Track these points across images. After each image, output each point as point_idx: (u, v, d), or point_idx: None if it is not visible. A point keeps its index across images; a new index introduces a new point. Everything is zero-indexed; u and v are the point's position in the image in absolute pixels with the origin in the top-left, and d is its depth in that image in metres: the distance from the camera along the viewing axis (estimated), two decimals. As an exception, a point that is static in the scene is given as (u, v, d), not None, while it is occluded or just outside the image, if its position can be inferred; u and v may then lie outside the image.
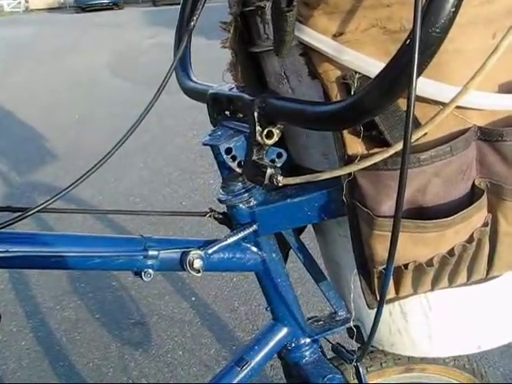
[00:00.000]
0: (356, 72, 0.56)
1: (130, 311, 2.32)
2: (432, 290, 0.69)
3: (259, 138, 0.62)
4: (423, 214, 0.60)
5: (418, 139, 0.55)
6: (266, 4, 0.67)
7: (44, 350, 2.12)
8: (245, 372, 0.80)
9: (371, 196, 0.61)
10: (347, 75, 0.57)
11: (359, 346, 0.85)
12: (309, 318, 0.88)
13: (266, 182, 0.62)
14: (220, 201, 0.73)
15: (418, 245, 0.62)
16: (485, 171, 0.61)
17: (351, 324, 0.82)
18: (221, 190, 0.74)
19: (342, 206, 0.66)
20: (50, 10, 27.02)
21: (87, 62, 8.96)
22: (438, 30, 0.40)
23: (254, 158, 0.64)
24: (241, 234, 0.71)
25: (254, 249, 0.76)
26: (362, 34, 0.56)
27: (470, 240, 0.63)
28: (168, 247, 0.69)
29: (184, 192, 3.52)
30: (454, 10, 0.39)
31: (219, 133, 0.70)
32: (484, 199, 0.61)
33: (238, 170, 0.67)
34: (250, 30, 0.74)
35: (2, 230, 0.59)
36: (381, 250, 0.62)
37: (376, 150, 0.59)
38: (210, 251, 0.69)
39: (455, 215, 0.59)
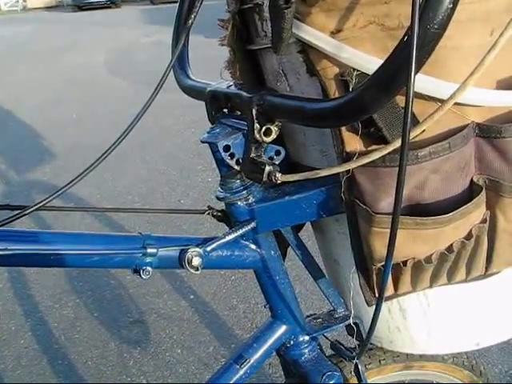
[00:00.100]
0: (354, 69, 0.56)
1: (128, 309, 2.32)
2: (431, 286, 0.69)
3: (257, 136, 0.62)
4: (422, 210, 0.60)
5: (416, 136, 0.55)
6: (263, 1, 0.67)
7: (43, 349, 2.12)
8: (244, 370, 0.80)
9: (370, 193, 0.61)
10: (345, 72, 0.57)
11: (358, 343, 0.85)
12: (307, 316, 0.88)
13: (265, 179, 0.62)
14: (218, 198, 0.73)
15: (417, 241, 0.62)
16: (483, 168, 0.61)
17: (350, 321, 0.82)
18: (219, 188, 0.73)
19: (340, 204, 0.66)
20: (48, 8, 26.95)
21: (85, 61, 8.95)
22: (435, 27, 0.40)
23: (253, 155, 0.64)
24: (239, 232, 0.71)
25: (253, 246, 0.76)
26: (360, 30, 0.56)
27: (469, 237, 0.63)
28: (166, 245, 0.69)
29: (182, 190, 3.52)
30: (451, 6, 0.39)
31: (217, 130, 0.70)
32: (482, 196, 0.61)
33: (237, 168, 0.67)
34: (248, 27, 0.74)
35: (1, 228, 0.59)
36: (379, 246, 0.62)
37: (374, 146, 0.59)
38: (208, 249, 0.69)
39: (454, 212, 0.59)
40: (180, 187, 3.57)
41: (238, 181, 0.71)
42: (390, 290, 0.69)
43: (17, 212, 0.63)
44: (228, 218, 0.76)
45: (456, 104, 0.52)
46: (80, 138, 4.83)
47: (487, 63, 0.45)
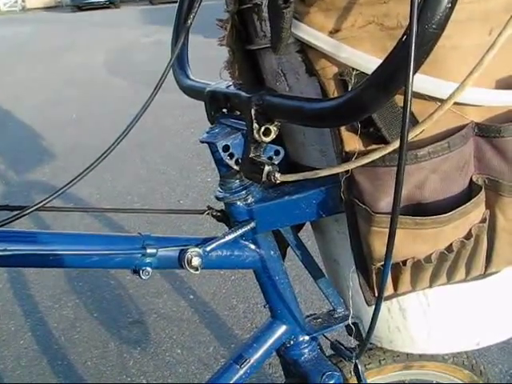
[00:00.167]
0: (353, 69, 0.56)
1: (128, 310, 2.32)
2: (430, 286, 0.69)
3: (256, 136, 0.62)
4: (421, 210, 0.60)
5: (415, 136, 0.55)
6: (262, 1, 0.67)
7: (42, 349, 2.12)
8: (244, 370, 0.80)
9: (369, 193, 0.61)
10: (344, 72, 0.57)
11: (358, 343, 0.85)
12: (307, 316, 0.88)
13: (264, 179, 0.62)
14: (218, 198, 0.73)
15: (416, 241, 0.62)
16: (483, 167, 0.61)
17: (350, 321, 0.82)
18: (218, 188, 0.73)
19: (339, 203, 0.66)
20: (47, 8, 26.93)
21: (84, 61, 8.95)
22: (434, 26, 0.40)
23: (252, 155, 0.64)
24: (238, 232, 0.71)
25: (252, 246, 0.76)
26: (359, 30, 0.56)
27: (468, 236, 0.63)
28: (166, 245, 0.69)
29: (182, 190, 3.52)
30: (450, 6, 0.39)
31: (216, 130, 0.70)
32: (482, 195, 0.61)
33: (236, 168, 0.67)
34: (247, 27, 0.74)
35: (0, 229, 0.59)
36: (379, 246, 0.62)
37: (374, 146, 0.59)
38: (208, 249, 0.69)
39: (453, 211, 0.59)
40: (179, 187, 3.57)
41: (238, 181, 0.71)
42: (389, 289, 0.69)
43: (16, 212, 0.63)
44: (227, 218, 0.76)
45: (455, 104, 0.52)
46: (79, 138, 4.83)
47: (486, 63, 0.45)
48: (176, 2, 0.87)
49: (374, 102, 0.45)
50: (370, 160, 0.54)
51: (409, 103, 0.41)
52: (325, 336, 0.87)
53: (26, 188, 3.82)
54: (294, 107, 0.57)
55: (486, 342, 0.78)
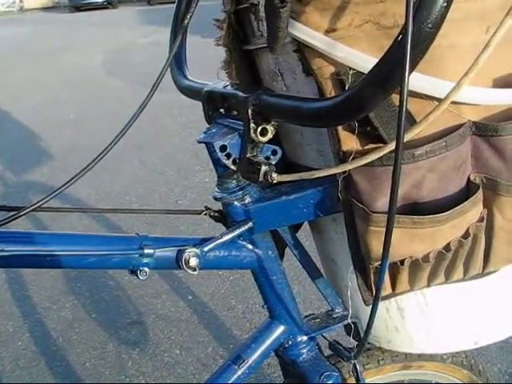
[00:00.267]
0: (350, 68, 0.56)
1: (126, 310, 2.32)
2: (428, 286, 0.69)
3: (253, 136, 0.62)
4: (419, 209, 0.60)
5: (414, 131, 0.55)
6: (259, 1, 0.67)
7: (41, 350, 2.12)
8: (242, 370, 0.80)
9: (366, 192, 0.61)
10: (341, 71, 0.57)
11: (356, 343, 0.85)
12: (306, 316, 0.88)
13: (261, 179, 0.62)
14: (215, 198, 0.73)
15: (414, 240, 0.62)
16: (480, 166, 0.61)
17: (348, 321, 0.82)
18: (216, 188, 0.73)
19: (337, 203, 0.66)
20: (45, 9, 26.92)
21: (82, 62, 8.95)
22: (430, 25, 0.40)
23: (249, 155, 0.64)
24: (236, 232, 0.71)
25: (250, 246, 0.75)
26: (356, 29, 0.56)
27: (466, 235, 0.63)
28: (164, 245, 0.69)
29: (180, 191, 3.51)
30: (445, 5, 0.39)
31: (214, 130, 0.70)
32: (479, 194, 0.61)
33: (233, 168, 0.67)
34: (244, 27, 0.74)
35: (-3, 229, 0.59)
36: (376, 245, 0.62)
37: (371, 145, 0.59)
38: (205, 249, 0.69)
39: (451, 210, 0.59)
40: (178, 188, 3.57)
41: (235, 181, 0.71)
42: (387, 289, 0.69)
43: (13, 213, 0.63)
44: (225, 218, 0.76)
45: (452, 103, 0.52)
46: (77, 138, 4.83)
47: (481, 62, 0.45)
48: (174, 2, 0.87)
49: (370, 101, 0.45)
50: (366, 161, 0.54)
51: (404, 102, 0.41)
52: (323, 336, 0.87)
53: (24, 189, 3.82)
54: (291, 107, 0.57)
55: (485, 341, 0.78)
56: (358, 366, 0.82)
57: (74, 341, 2.16)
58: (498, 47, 0.46)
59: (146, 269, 0.67)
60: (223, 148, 0.67)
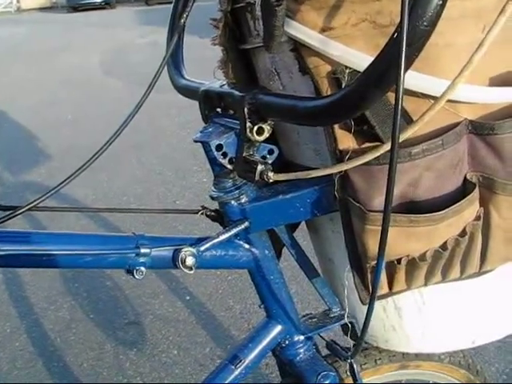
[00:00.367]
0: (346, 67, 0.56)
1: (124, 311, 2.32)
2: (425, 285, 0.69)
3: (250, 135, 0.62)
4: (415, 208, 0.60)
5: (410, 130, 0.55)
6: (255, 0, 0.67)
7: (38, 351, 2.12)
8: (239, 370, 0.80)
9: (363, 191, 0.61)
10: (338, 70, 0.57)
11: (354, 342, 0.85)
12: (303, 316, 0.88)
13: (257, 178, 0.62)
14: (212, 198, 0.73)
15: (411, 239, 0.62)
16: (476, 165, 0.61)
17: (346, 321, 0.82)
18: (212, 187, 0.73)
19: (334, 202, 0.66)
20: (42, 9, 26.87)
21: (80, 62, 8.94)
22: (425, 24, 0.40)
23: (245, 154, 0.64)
24: (232, 231, 0.71)
25: (246, 246, 0.75)
26: (352, 28, 0.56)
27: (463, 234, 0.63)
28: (160, 245, 0.69)
29: (178, 191, 3.51)
30: (441, 3, 0.39)
31: (210, 129, 0.70)
32: (476, 193, 0.61)
33: (229, 167, 0.67)
34: (241, 26, 0.74)
35: (-8, 229, 0.59)
36: (373, 244, 0.62)
37: (367, 144, 0.59)
38: (202, 248, 0.69)
39: (447, 209, 0.59)
40: (175, 188, 3.57)
41: (231, 180, 0.71)
42: (384, 288, 0.69)
43: (8, 212, 0.63)
44: (222, 217, 0.76)
45: (448, 101, 0.52)
46: (75, 138, 4.82)
47: (476, 61, 0.45)
48: (171, 2, 0.87)
49: (366, 99, 0.45)
50: (363, 161, 0.54)
51: (400, 100, 0.41)
52: (320, 336, 0.87)
53: (22, 189, 3.81)
54: (287, 106, 0.56)
55: (482, 340, 0.78)
56: (355, 366, 0.82)
57: (72, 341, 2.16)
58: (494, 46, 0.46)
59: (143, 268, 0.67)
60: (219, 147, 0.66)
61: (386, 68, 0.42)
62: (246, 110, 0.61)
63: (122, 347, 2.09)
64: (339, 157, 0.61)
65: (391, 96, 0.53)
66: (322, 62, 0.58)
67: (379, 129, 0.56)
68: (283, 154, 0.78)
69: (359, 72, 0.55)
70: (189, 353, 2.02)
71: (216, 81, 0.76)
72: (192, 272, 0.68)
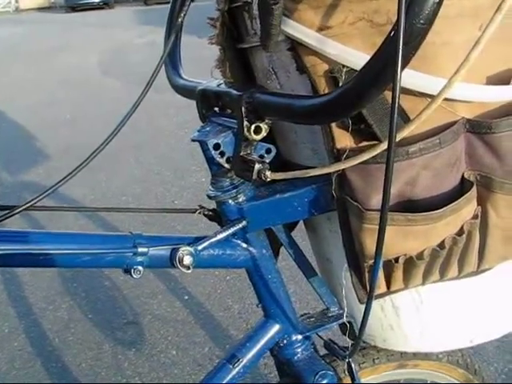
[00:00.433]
0: (344, 66, 0.56)
1: (122, 311, 2.32)
2: (423, 283, 0.69)
3: (247, 134, 0.62)
4: (413, 206, 0.60)
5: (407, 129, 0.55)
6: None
7: (36, 351, 2.11)
8: (237, 369, 0.80)
9: (360, 190, 0.61)
10: (335, 69, 0.57)
11: (352, 342, 0.85)
12: (301, 315, 0.88)
13: (254, 177, 0.61)
14: (209, 197, 0.73)
15: (408, 238, 0.62)
16: (474, 163, 0.61)
17: (344, 320, 0.82)
18: (210, 187, 0.73)
19: (331, 201, 0.66)
20: (41, 9, 26.84)
21: (78, 62, 8.93)
22: (422, 22, 0.39)
23: (242, 153, 0.64)
24: (230, 231, 0.71)
25: (244, 245, 0.75)
26: (350, 27, 0.56)
27: (461, 233, 0.63)
28: (157, 244, 0.69)
29: (176, 191, 3.51)
30: (437, 1, 0.39)
31: (207, 129, 0.70)
32: (473, 191, 0.61)
33: (227, 166, 0.67)
34: (238, 25, 0.73)
35: (-11, 229, 0.58)
36: (370, 243, 0.62)
37: (365, 143, 0.59)
38: (199, 248, 0.69)
39: (445, 208, 0.59)
40: (174, 188, 3.57)
41: (229, 179, 0.71)
42: (382, 287, 0.69)
43: (5, 212, 0.63)
44: (219, 216, 0.76)
45: (446, 100, 0.52)
46: (73, 138, 4.82)
47: (472, 60, 0.45)
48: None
49: (362, 98, 0.45)
50: (360, 161, 0.54)
51: (397, 99, 0.41)
52: (318, 335, 0.87)
53: (20, 189, 3.81)
54: (284, 104, 0.56)
55: (480, 339, 0.78)
56: (353, 365, 0.82)
57: (70, 341, 2.15)
58: (491, 44, 0.46)
59: (140, 267, 0.67)
60: (216, 146, 0.66)
61: (383, 66, 0.42)
62: (243, 108, 0.61)
63: (120, 347, 2.09)
64: (337, 156, 0.61)
65: (388, 94, 0.54)
66: (319, 61, 0.58)
67: (376, 127, 0.56)
68: (281, 153, 0.78)
69: (356, 71, 0.54)
70: (187, 353, 2.02)
71: (213, 80, 0.76)
72: (190, 271, 0.68)
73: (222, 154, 0.67)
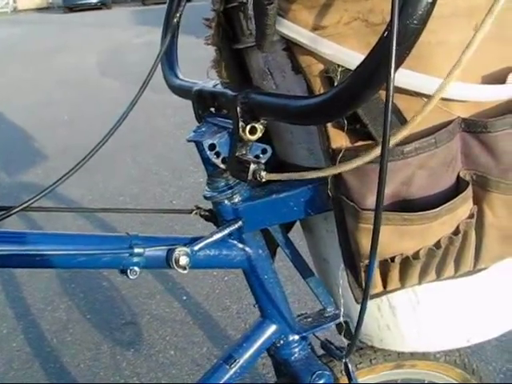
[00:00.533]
0: (339, 65, 0.56)
1: (121, 311, 2.31)
2: (419, 283, 0.69)
3: (242, 134, 0.61)
4: (409, 206, 0.60)
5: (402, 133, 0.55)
6: (248, 0, 0.67)
7: (35, 352, 2.11)
8: (234, 370, 0.80)
9: (356, 189, 0.61)
10: (330, 69, 0.57)
11: (348, 342, 0.85)
12: (298, 315, 0.88)
13: (250, 177, 0.61)
14: (205, 197, 0.73)
15: (404, 237, 0.62)
16: (470, 163, 0.61)
17: (340, 320, 0.82)
18: (206, 187, 0.73)
19: (327, 201, 0.66)
20: (39, 10, 26.83)
21: (76, 62, 8.93)
22: (415, 22, 0.39)
23: (238, 153, 0.64)
24: (226, 231, 0.71)
25: (240, 245, 0.75)
26: (345, 27, 0.56)
27: (456, 232, 0.63)
28: (153, 245, 0.69)
29: (174, 191, 3.51)
30: (431, 1, 0.39)
31: (203, 129, 0.70)
32: (469, 191, 0.61)
33: (222, 166, 0.67)
34: (234, 26, 0.73)
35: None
36: (366, 243, 0.62)
37: (360, 143, 0.59)
38: (195, 248, 0.69)
39: (441, 207, 0.59)
40: (172, 188, 3.56)
41: (224, 180, 0.71)
42: (378, 287, 0.69)
43: (2, 213, 0.62)
44: (215, 217, 0.76)
45: (441, 99, 0.52)
46: (71, 139, 4.81)
47: (466, 59, 0.45)
48: (168, 2, 0.87)
49: (357, 98, 0.45)
50: (356, 165, 0.54)
51: (391, 99, 0.41)
52: (315, 335, 0.87)
53: (18, 189, 3.80)
54: (280, 105, 0.56)
55: (477, 338, 0.78)
56: (349, 365, 0.82)
57: (69, 342, 2.15)
58: (487, 43, 0.46)
59: (136, 268, 0.67)
60: (212, 146, 0.66)
61: (377, 66, 0.42)
62: (238, 109, 0.61)
63: (118, 347, 2.09)
64: (332, 156, 0.61)
65: (383, 94, 0.53)
66: (314, 61, 0.58)
67: (372, 127, 0.56)
68: (277, 154, 0.78)
69: (351, 71, 0.55)
70: (186, 353, 2.01)
71: (209, 80, 0.76)
72: (186, 272, 0.68)
73: (217, 154, 0.67)
